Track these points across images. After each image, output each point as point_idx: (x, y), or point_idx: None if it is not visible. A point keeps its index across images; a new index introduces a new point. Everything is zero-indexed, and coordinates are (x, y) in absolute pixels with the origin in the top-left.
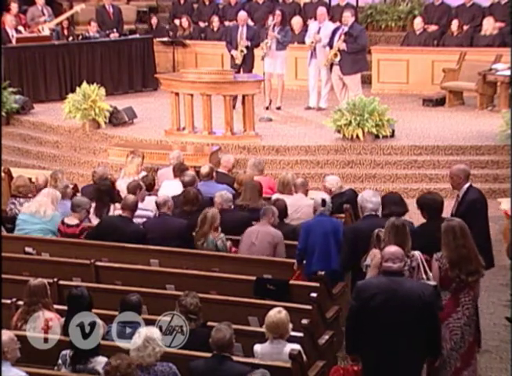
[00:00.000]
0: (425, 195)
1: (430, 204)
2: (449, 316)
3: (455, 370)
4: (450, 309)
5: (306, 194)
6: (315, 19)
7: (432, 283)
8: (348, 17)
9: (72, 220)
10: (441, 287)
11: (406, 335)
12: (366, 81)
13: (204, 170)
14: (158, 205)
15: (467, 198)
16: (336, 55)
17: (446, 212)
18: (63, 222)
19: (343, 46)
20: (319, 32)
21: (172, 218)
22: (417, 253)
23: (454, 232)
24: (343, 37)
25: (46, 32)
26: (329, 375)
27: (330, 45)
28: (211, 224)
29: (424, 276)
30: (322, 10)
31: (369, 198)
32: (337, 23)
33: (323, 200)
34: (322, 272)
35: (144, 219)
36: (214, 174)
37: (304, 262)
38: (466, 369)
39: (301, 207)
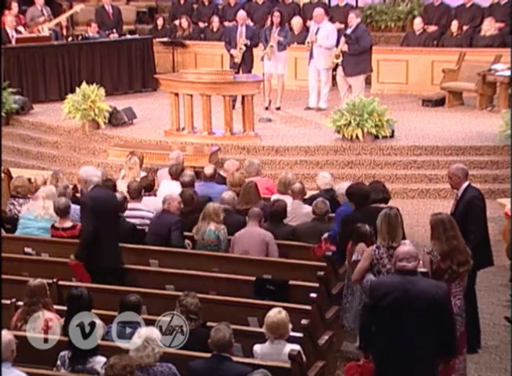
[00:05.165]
0: (353, 185)
1: (358, 193)
2: None
3: None
4: None
5: (303, 200)
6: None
7: (423, 270)
8: (352, 18)
9: (64, 223)
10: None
11: (419, 334)
12: (366, 82)
13: (208, 171)
14: (162, 202)
15: (466, 197)
16: (338, 56)
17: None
18: (55, 228)
19: (345, 48)
20: (317, 33)
21: (164, 215)
22: (408, 242)
23: (444, 224)
24: (343, 38)
25: (46, 32)
26: (345, 371)
27: (337, 46)
28: (214, 216)
29: None
30: (319, 11)
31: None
32: (337, 24)
33: None
34: (322, 273)
35: (141, 219)
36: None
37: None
38: (458, 357)
39: (297, 215)
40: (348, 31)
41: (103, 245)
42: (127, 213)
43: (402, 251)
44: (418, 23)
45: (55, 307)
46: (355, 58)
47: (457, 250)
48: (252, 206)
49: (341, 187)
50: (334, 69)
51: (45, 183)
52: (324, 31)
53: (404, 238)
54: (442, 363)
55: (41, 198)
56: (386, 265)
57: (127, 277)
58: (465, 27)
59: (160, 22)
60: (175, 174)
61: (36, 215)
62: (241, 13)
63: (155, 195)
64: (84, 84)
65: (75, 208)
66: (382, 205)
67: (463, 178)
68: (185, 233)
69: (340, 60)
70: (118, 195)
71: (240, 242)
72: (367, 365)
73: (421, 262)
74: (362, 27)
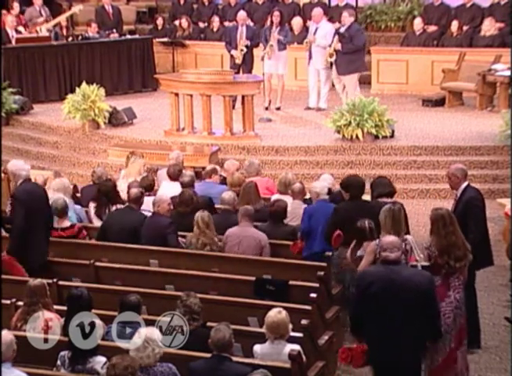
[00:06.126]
0: (349, 177)
1: (354, 185)
2: (442, 301)
3: (449, 350)
4: (442, 294)
5: (303, 200)
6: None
7: (425, 263)
8: (346, 17)
9: (63, 223)
10: (432, 274)
11: (406, 321)
12: (366, 82)
13: (206, 169)
14: (152, 204)
15: (465, 197)
16: (331, 55)
17: None
18: (54, 228)
19: (338, 46)
20: (315, 33)
21: (157, 217)
22: (409, 237)
23: (444, 219)
24: (337, 37)
25: (44, 33)
26: (339, 356)
27: (331, 45)
28: (203, 227)
29: (418, 257)
30: (317, 11)
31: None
32: (336, 24)
33: (330, 189)
34: (322, 273)
35: None
36: (218, 176)
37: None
38: (459, 348)
39: (297, 215)
40: (342, 30)
41: (34, 240)
42: None
43: (385, 242)
44: (418, 23)
45: (55, 307)
46: (349, 57)
47: (455, 245)
48: (252, 206)
49: (315, 185)
50: (331, 68)
51: (45, 183)
52: (322, 31)
53: (408, 233)
54: (430, 344)
55: (52, 190)
56: None
57: (54, 270)
58: (465, 27)
59: (160, 22)
60: (174, 175)
61: None
62: (241, 13)
63: (155, 195)
64: (84, 84)
65: (75, 208)
66: (388, 199)
67: (462, 178)
68: (182, 233)
69: (333, 59)
70: (135, 190)
71: (234, 243)
72: (359, 348)
73: (421, 256)
74: (355, 26)
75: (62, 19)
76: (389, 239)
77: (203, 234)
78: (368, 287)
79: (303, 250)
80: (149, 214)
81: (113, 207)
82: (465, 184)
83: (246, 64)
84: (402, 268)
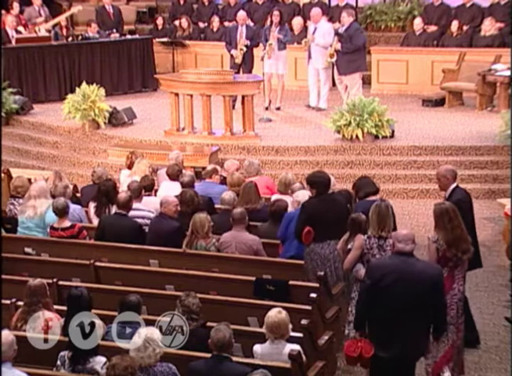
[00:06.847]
0: (315, 173)
1: (320, 181)
2: (447, 293)
3: (452, 341)
4: (448, 286)
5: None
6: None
7: None
8: (344, 17)
9: (63, 223)
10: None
11: (414, 312)
12: (366, 82)
13: (207, 169)
14: (160, 205)
15: (453, 198)
16: (332, 55)
17: None
18: (54, 228)
19: (338, 46)
20: (314, 33)
21: (165, 220)
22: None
23: (448, 214)
24: (337, 37)
25: (43, 33)
26: (345, 349)
27: (332, 45)
28: (201, 230)
29: None
30: (315, 11)
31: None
32: (337, 24)
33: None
34: (322, 273)
35: (141, 219)
36: (218, 176)
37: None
38: (458, 335)
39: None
40: (341, 30)
41: None
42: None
43: (401, 234)
44: (418, 23)
45: (55, 307)
46: (349, 56)
47: (461, 238)
48: (251, 206)
49: (297, 193)
50: (332, 68)
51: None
52: (321, 31)
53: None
54: (435, 336)
55: (33, 198)
56: (375, 255)
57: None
58: (465, 27)
59: (160, 22)
60: (173, 175)
61: (26, 217)
62: (241, 13)
63: (155, 195)
64: (84, 85)
65: (75, 208)
66: (374, 198)
67: (452, 179)
68: None
69: (334, 59)
70: (124, 194)
71: (228, 250)
72: (366, 340)
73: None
74: (354, 26)
75: (61, 19)
76: (404, 232)
77: (196, 236)
78: (380, 280)
79: (280, 254)
80: (150, 214)
81: (113, 208)
82: (454, 185)
83: (246, 64)
84: (415, 260)
